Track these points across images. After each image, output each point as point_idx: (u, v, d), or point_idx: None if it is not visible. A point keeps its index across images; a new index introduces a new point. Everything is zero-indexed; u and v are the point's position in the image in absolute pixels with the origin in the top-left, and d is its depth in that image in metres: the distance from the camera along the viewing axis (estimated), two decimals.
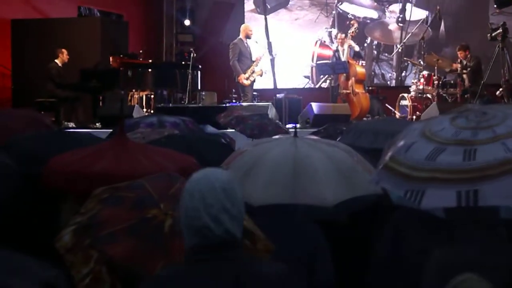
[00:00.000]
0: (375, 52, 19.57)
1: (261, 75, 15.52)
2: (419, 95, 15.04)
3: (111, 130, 8.14)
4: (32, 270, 2.48)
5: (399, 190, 3.39)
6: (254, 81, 15.40)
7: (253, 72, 15.18)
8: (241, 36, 15.41)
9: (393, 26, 19.29)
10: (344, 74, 15.65)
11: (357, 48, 16.14)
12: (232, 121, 8.62)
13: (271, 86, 18.84)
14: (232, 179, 2.91)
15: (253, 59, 15.35)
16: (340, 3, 19.69)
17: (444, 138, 3.41)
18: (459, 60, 15.43)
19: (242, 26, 15.92)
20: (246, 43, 15.40)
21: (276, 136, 5.60)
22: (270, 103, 14.74)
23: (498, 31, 14.24)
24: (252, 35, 15.58)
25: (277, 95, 16.06)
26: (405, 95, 15.56)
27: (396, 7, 19.24)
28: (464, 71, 14.98)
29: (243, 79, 15.09)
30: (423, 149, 3.42)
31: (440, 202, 3.25)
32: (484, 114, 3.46)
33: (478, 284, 2.74)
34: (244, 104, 14.34)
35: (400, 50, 17.45)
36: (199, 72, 15.87)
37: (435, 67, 15.05)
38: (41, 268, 2.48)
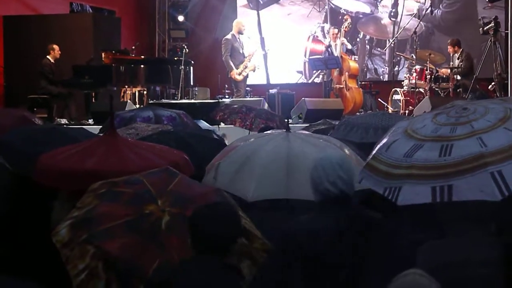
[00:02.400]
0: (368, 47, 19.55)
1: (253, 70, 15.51)
2: (412, 89, 15.04)
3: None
4: None
5: (379, 188, 3.42)
6: (247, 76, 15.39)
7: (246, 67, 15.17)
8: (234, 31, 15.40)
9: (385, 20, 19.28)
10: (337, 69, 15.65)
11: (349, 46, 16.15)
12: (225, 116, 8.64)
13: (264, 82, 18.83)
14: (346, 157, 4.18)
15: (246, 54, 15.34)
16: None
17: (423, 135, 3.43)
18: (451, 55, 15.45)
19: (235, 21, 15.90)
20: (239, 38, 15.38)
21: (269, 132, 5.60)
22: (263, 98, 14.74)
23: (490, 25, 14.26)
24: (244, 31, 15.56)
25: (270, 90, 16.06)
26: (398, 89, 15.56)
27: (389, 1, 19.21)
28: (455, 67, 14.95)
29: (236, 74, 15.07)
30: (402, 147, 3.45)
31: (416, 199, 3.28)
32: (464, 110, 3.48)
33: (420, 278, 2.81)
34: (237, 99, 14.32)
35: (392, 44, 17.44)
36: (191, 68, 15.85)
37: (428, 62, 15.05)
38: None
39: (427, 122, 3.52)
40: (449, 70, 15.12)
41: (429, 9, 16.53)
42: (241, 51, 15.30)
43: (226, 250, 3.18)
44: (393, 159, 3.41)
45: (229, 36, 15.36)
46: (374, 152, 3.62)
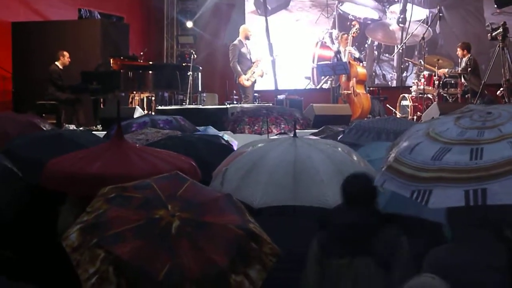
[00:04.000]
0: (376, 52, 19.56)
1: (261, 76, 15.53)
2: (420, 95, 15.04)
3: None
4: None
5: (405, 191, 3.39)
6: (254, 82, 15.41)
7: (254, 73, 15.19)
8: (241, 37, 15.43)
9: (393, 26, 19.29)
10: (345, 75, 15.65)
11: (357, 55, 16.17)
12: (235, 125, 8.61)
13: (272, 87, 18.85)
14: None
15: (253, 60, 15.36)
16: (340, 4, 19.69)
17: (449, 138, 3.40)
18: (459, 60, 15.44)
19: (241, 27, 15.92)
20: (246, 44, 15.40)
21: (275, 136, 5.60)
22: (271, 104, 14.74)
23: (499, 30, 14.24)
24: (251, 36, 15.58)
25: (278, 96, 16.08)
26: (406, 95, 15.56)
27: (397, 7, 19.24)
28: (462, 71, 14.93)
29: (244, 80, 15.10)
30: (428, 149, 3.41)
31: (448, 202, 3.24)
32: (489, 114, 3.46)
33: (432, 281, 2.82)
34: (245, 105, 14.34)
35: (401, 50, 17.43)
36: (199, 73, 15.87)
37: (436, 67, 15.04)
38: None
39: (450, 126, 3.50)
40: (446, 70, 15.13)
41: (438, 15, 16.49)
42: (248, 57, 15.32)
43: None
44: (418, 161, 3.38)
45: (236, 42, 15.39)
46: (394, 154, 3.58)
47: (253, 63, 15.28)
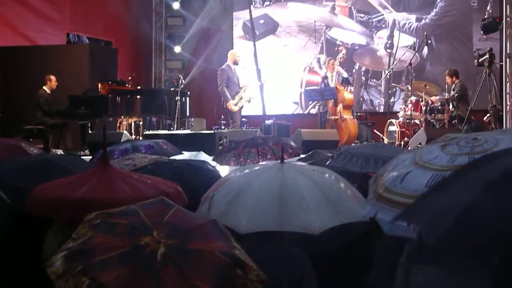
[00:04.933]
0: (363, 78, 19.66)
1: (249, 101, 15.54)
2: (407, 120, 15.11)
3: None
4: None
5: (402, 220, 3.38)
6: (242, 107, 15.43)
7: (242, 98, 15.21)
8: (229, 62, 15.45)
9: (381, 52, 19.40)
10: (333, 100, 15.71)
11: (345, 75, 16.22)
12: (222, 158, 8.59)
13: (260, 112, 18.86)
14: None
15: (241, 85, 15.38)
16: (328, 29, 19.81)
17: (440, 165, 3.41)
18: (446, 86, 15.51)
19: (230, 52, 15.94)
20: (234, 69, 15.44)
21: (263, 163, 5.60)
22: (258, 129, 14.76)
23: (485, 57, 14.34)
24: (239, 61, 15.61)
25: (266, 121, 16.12)
26: (393, 120, 15.63)
27: (384, 33, 19.36)
28: (451, 97, 15.01)
29: (232, 105, 15.11)
30: (420, 178, 3.42)
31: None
32: (475, 140, 3.49)
33: None
34: (232, 130, 14.35)
35: (388, 76, 17.53)
36: (187, 98, 15.90)
37: (423, 93, 15.12)
38: None
39: (438, 153, 3.51)
40: (437, 97, 15.21)
41: (424, 40, 16.59)
42: (236, 82, 15.35)
43: None
44: (412, 190, 3.38)
45: (224, 67, 15.42)
46: (384, 184, 3.58)
47: (241, 88, 15.30)
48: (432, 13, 18.69)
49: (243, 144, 8.25)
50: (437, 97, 15.39)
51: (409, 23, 19.05)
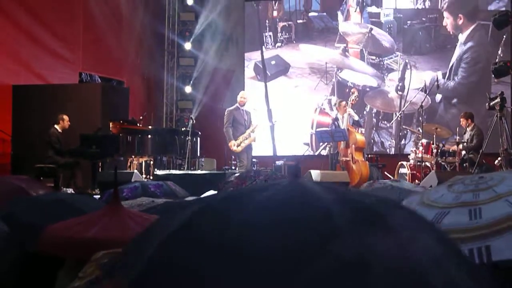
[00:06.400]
0: (374, 120, 19.67)
1: (253, 141, 15.53)
2: (418, 163, 15.07)
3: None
4: None
5: None
6: (251, 148, 15.43)
7: (246, 138, 15.23)
8: (238, 103, 15.55)
9: (392, 94, 19.43)
10: (344, 142, 15.70)
11: (356, 117, 16.22)
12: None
13: (270, 153, 18.88)
14: None
15: (251, 126, 15.43)
16: (339, 71, 19.87)
17: (445, 203, 3.41)
18: (458, 129, 15.50)
19: (239, 93, 16.04)
20: (243, 110, 15.49)
21: None
22: (268, 170, 14.74)
23: (496, 100, 14.31)
24: (245, 103, 15.67)
25: (276, 162, 16.09)
26: (404, 163, 15.59)
27: (395, 75, 19.41)
28: (465, 140, 14.98)
29: (233, 145, 15.15)
30: (425, 215, 3.41)
31: None
32: (481, 178, 3.49)
33: None
34: (240, 171, 14.35)
35: (399, 118, 17.52)
36: (198, 138, 15.92)
37: (434, 136, 15.11)
38: None
39: (443, 192, 3.51)
40: (455, 146, 15.17)
41: (435, 83, 16.60)
42: (243, 123, 15.39)
43: None
44: None
45: (232, 108, 15.51)
46: None
47: (247, 128, 15.35)
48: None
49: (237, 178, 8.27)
50: (460, 146, 15.29)
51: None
